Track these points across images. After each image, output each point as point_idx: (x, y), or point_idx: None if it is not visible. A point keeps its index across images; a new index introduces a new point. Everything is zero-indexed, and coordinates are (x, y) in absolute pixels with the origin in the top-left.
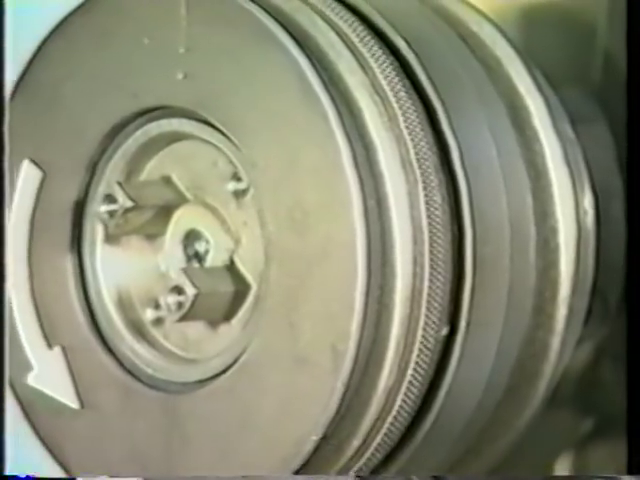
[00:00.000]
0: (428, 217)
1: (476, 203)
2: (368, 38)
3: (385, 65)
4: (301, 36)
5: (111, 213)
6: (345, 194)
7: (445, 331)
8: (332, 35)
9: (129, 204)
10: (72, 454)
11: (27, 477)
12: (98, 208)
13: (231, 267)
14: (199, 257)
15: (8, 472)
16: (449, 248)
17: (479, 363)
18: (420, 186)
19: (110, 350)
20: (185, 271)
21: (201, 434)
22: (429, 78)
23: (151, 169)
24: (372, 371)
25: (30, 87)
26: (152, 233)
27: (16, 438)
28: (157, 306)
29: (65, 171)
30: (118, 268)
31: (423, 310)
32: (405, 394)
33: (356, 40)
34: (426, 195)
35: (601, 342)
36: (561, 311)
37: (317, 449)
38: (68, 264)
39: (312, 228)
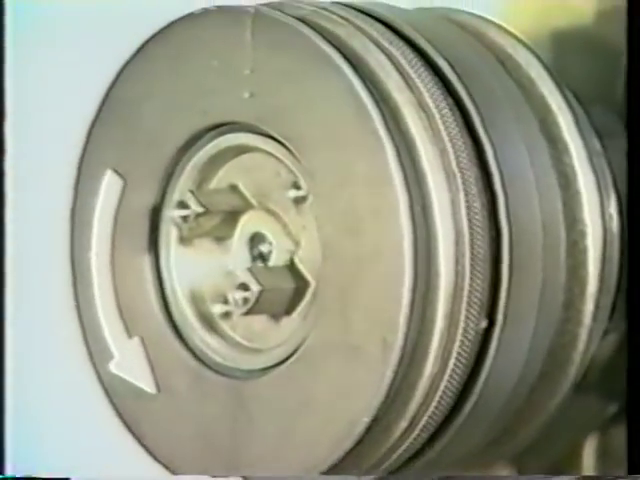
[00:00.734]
0: (469, 221)
1: (512, 209)
2: (415, 60)
3: (430, 84)
4: (354, 58)
5: (184, 218)
6: (394, 201)
7: (484, 324)
8: (382, 57)
9: (200, 210)
10: (149, 432)
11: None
12: (172, 213)
13: (291, 266)
14: (263, 257)
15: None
16: (487, 249)
17: (515, 352)
18: (461, 194)
19: (183, 340)
20: (250, 270)
21: (264, 416)
22: (469, 96)
23: (220, 178)
24: (418, 360)
25: (112, 105)
26: (221, 236)
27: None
28: (225, 301)
29: (143, 180)
30: (190, 267)
31: (464, 305)
32: (448, 380)
33: (404, 62)
34: (467, 202)
35: (624, 335)
36: (588, 306)
37: (368, 430)
38: (146, 263)
39: (364, 231)
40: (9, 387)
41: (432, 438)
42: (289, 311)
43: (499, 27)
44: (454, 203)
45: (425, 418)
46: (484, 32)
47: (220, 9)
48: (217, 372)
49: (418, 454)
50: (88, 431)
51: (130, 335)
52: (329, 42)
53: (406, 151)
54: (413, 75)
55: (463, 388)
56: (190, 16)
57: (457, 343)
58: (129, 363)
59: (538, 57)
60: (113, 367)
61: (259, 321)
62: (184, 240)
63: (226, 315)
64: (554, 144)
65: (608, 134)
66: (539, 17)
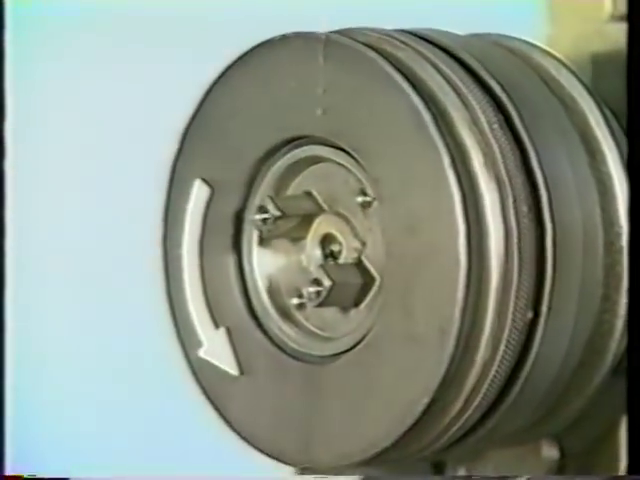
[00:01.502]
0: (516, 222)
1: (555, 211)
2: (468, 81)
3: (482, 102)
4: (414, 79)
5: (264, 221)
6: (450, 204)
7: (530, 315)
8: (439, 78)
9: (278, 214)
10: (233, 411)
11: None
12: (254, 217)
13: (359, 264)
14: (334, 256)
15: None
16: (533, 248)
17: (557, 341)
18: (510, 199)
19: (263, 329)
20: (323, 267)
21: (335, 396)
22: (517, 112)
23: (295, 186)
24: (471, 347)
25: (201, 122)
26: (296, 237)
27: (16, 438)
28: (300, 295)
29: (228, 187)
30: (269, 265)
31: (512, 298)
32: (498, 366)
33: (459, 82)
34: (515, 205)
35: None
36: (624, 299)
37: (426, 410)
38: (230, 261)
39: (423, 232)
40: (9, 387)
41: (484, 417)
42: (357, 303)
43: (544, 51)
44: (503, 206)
45: (478, 399)
46: (530, 56)
47: (296, 35)
48: (293, 357)
49: (471, 431)
50: (88, 431)
51: (217, 325)
52: (392, 65)
53: (461, 160)
54: (467, 94)
55: (511, 373)
56: (270, 42)
57: (506, 332)
58: (216, 350)
59: (579, 78)
60: (202, 353)
61: (330, 312)
62: (264, 241)
63: (301, 307)
64: (593, 155)
65: None
66: (579, 42)
